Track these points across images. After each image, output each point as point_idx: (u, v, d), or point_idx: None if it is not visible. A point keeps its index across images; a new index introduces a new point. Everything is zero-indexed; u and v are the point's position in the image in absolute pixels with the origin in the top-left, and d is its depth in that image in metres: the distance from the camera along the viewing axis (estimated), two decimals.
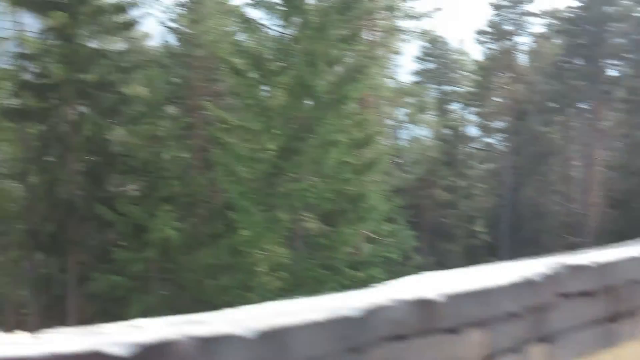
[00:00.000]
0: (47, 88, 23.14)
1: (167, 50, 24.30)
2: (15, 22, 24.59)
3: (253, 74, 20.83)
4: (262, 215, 20.27)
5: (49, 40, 23.26)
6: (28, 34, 24.42)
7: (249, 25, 20.83)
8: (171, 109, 24.69)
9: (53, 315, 25.32)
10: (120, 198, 23.52)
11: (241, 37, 22.17)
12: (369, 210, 21.07)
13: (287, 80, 20.02)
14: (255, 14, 20.80)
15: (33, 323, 26.60)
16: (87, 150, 23.69)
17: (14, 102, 24.05)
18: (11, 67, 24.26)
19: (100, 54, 23.78)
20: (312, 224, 21.05)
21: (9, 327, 27.49)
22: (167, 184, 23.11)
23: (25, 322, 30.27)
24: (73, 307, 24.28)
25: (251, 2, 20.54)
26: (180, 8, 23.69)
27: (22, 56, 24.00)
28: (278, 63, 20.29)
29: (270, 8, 20.37)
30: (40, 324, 25.76)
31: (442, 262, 31.40)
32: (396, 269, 23.88)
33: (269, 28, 20.73)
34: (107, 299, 23.38)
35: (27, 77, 23.84)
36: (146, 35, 27.51)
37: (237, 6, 22.48)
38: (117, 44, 24.60)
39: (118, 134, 24.60)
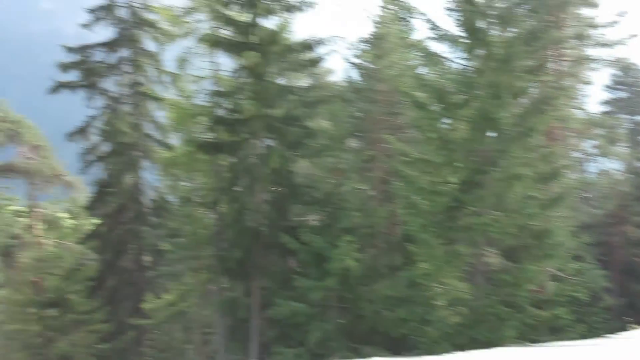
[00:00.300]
0: (238, 123, 24.46)
1: (350, 85, 24.94)
2: (212, 62, 26.48)
3: (435, 107, 20.78)
4: (442, 248, 20.02)
5: (241, 78, 24.70)
6: (223, 73, 26.18)
7: (431, 58, 20.80)
8: (353, 142, 25.22)
9: (236, 336, 26.57)
10: (303, 227, 24.31)
11: (423, 70, 22.23)
12: (554, 247, 20.13)
13: (470, 112, 19.73)
14: (438, 47, 20.81)
15: (218, 343, 28.08)
16: (273, 181, 24.72)
17: (209, 136, 25.74)
18: (207, 104, 26.02)
19: (287, 90, 24.86)
20: (493, 259, 20.46)
21: (196, 346, 29.02)
22: (348, 215, 23.56)
23: (209, 342, 32.04)
24: (255, 330, 25.30)
25: (433, 36, 20.53)
26: (364, 44, 24.28)
27: (217, 93, 25.64)
28: (460, 96, 20.07)
29: (453, 41, 20.24)
30: (225, 345, 27.16)
31: (635, 305, 29.22)
32: (583, 310, 22.59)
33: (451, 61, 20.60)
34: (287, 324, 24.12)
35: (221, 112, 25.30)
36: (329, 71, 28.45)
37: (420, 40, 22.64)
38: (302, 80, 25.64)
39: (302, 166, 25.49)
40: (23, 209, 42.46)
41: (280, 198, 24.97)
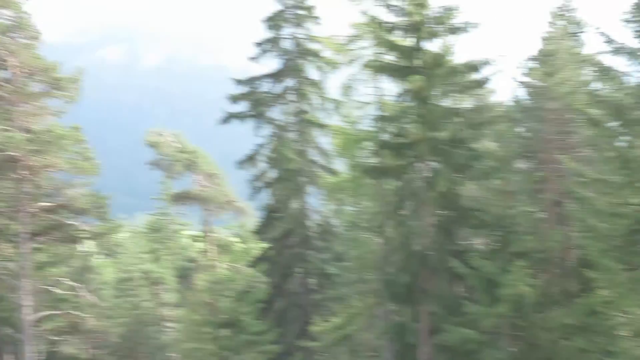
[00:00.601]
0: (403, 147, 24.49)
1: (518, 104, 24.28)
2: (376, 87, 26.89)
3: (612, 124, 19.75)
4: (624, 274, 18.86)
5: (406, 102, 24.80)
6: (387, 97, 26.45)
7: (607, 73, 19.81)
8: (522, 163, 24.49)
9: None
10: (472, 252, 23.79)
11: (597, 86, 21.24)
12: None
13: None
14: (613, 61, 19.80)
15: None
16: (440, 204, 24.46)
17: (374, 160, 26.03)
18: (372, 129, 26.36)
19: (453, 112, 24.61)
20: None
21: None
22: (519, 239, 22.75)
23: None
24: (424, 356, 24.99)
25: (608, 49, 19.54)
26: (533, 62, 23.58)
27: (381, 118, 25.93)
28: None
29: (631, 54, 19.17)
30: None
31: None
32: None
33: (629, 75, 19.50)
34: (457, 351, 23.59)
35: (386, 137, 25.48)
36: (493, 91, 27.85)
37: (592, 55, 21.63)
38: (468, 102, 25.28)
39: (469, 189, 25.04)
40: (198, 233, 45.19)
41: (447, 222, 24.65)
